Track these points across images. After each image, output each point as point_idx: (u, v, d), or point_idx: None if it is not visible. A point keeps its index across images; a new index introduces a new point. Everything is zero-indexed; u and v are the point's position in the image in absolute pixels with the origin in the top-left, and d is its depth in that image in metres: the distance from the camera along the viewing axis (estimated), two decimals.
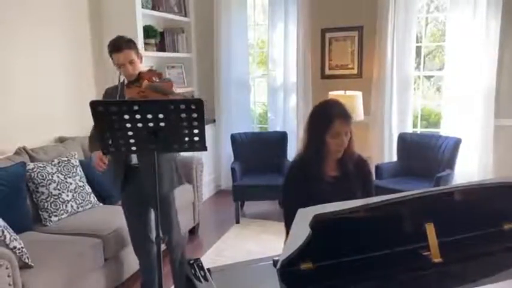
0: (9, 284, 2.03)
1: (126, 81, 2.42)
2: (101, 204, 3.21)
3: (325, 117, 1.91)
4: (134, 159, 2.47)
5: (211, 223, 4.24)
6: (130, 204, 2.57)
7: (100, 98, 3.44)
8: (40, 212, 2.89)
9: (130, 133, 1.84)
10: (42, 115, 3.38)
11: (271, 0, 4.72)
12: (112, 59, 2.39)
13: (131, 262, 2.95)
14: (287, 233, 2.02)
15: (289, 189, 2.04)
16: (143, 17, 3.96)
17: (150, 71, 2.37)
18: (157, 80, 2.31)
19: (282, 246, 1.95)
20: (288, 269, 1.20)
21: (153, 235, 2.64)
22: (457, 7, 4.05)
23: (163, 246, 2.60)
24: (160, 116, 1.80)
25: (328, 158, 1.97)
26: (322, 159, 1.95)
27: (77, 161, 3.17)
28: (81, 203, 3.06)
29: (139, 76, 2.34)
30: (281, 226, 2.13)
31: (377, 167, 3.99)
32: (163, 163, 2.48)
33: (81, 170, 3.16)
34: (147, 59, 3.94)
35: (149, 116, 1.79)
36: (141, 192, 2.41)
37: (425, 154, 3.97)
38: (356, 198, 1.93)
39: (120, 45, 2.35)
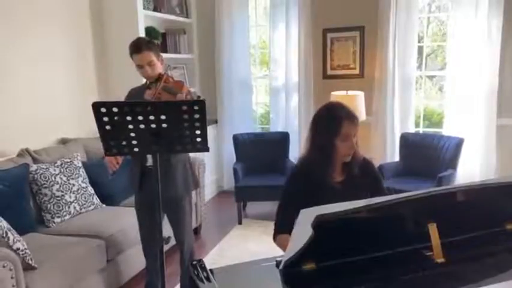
0: (13, 286, 2.04)
1: (147, 83, 2.44)
2: (104, 205, 3.22)
3: (333, 120, 1.83)
4: (150, 160, 2.46)
5: (214, 224, 4.24)
6: (143, 206, 2.55)
7: (102, 99, 3.45)
8: (43, 214, 2.90)
9: (132, 134, 1.84)
10: (45, 117, 3.39)
11: (272, 0, 4.72)
12: (133, 60, 2.40)
13: (134, 263, 2.95)
14: (276, 232, 2.01)
15: (290, 191, 1.98)
16: (145, 18, 3.97)
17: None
18: (172, 81, 2.35)
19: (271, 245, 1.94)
20: (290, 269, 1.20)
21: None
22: (459, 7, 4.04)
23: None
24: (163, 117, 1.81)
25: (337, 163, 1.91)
26: (330, 163, 1.88)
27: (80, 163, 3.18)
28: (84, 204, 3.07)
29: (159, 77, 2.36)
30: None
31: (379, 167, 3.97)
32: (176, 164, 2.48)
33: (83, 171, 3.17)
34: None
35: (151, 117, 1.80)
36: (154, 194, 2.41)
37: (427, 154, 3.97)
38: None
39: (139, 47, 2.36)
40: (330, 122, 1.84)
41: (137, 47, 2.36)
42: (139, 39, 2.45)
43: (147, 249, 2.65)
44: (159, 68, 2.41)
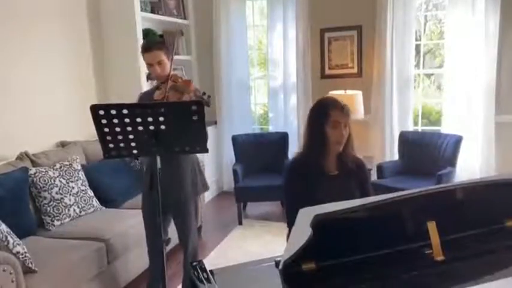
0: None
1: (157, 83, 2.47)
2: (104, 207, 3.22)
3: (322, 109, 2.00)
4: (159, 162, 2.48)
5: (214, 225, 4.24)
6: (150, 207, 2.55)
7: (100, 101, 3.44)
8: (43, 217, 2.90)
9: (131, 136, 1.84)
10: (44, 120, 3.39)
11: (269, 1, 4.73)
12: (143, 58, 2.43)
13: (135, 265, 2.95)
14: (290, 231, 2.04)
15: (290, 187, 2.06)
16: (142, 20, 3.96)
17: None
18: (181, 80, 2.38)
19: (285, 246, 1.98)
20: (290, 269, 1.20)
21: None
22: (456, 4, 4.04)
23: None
24: (161, 118, 1.81)
25: (330, 153, 2.00)
26: (323, 153, 1.99)
27: (79, 165, 3.18)
28: (84, 206, 3.06)
29: (168, 78, 2.38)
30: (284, 226, 2.13)
31: (378, 166, 3.98)
32: (185, 167, 2.47)
33: (83, 174, 3.17)
34: None
35: (150, 119, 1.80)
36: (160, 195, 2.41)
37: (426, 152, 3.97)
38: (355, 197, 1.95)
39: (149, 46, 2.40)
40: (319, 111, 2.01)
41: (147, 46, 2.41)
42: (150, 38, 2.47)
43: (152, 251, 2.64)
44: (168, 68, 2.43)
